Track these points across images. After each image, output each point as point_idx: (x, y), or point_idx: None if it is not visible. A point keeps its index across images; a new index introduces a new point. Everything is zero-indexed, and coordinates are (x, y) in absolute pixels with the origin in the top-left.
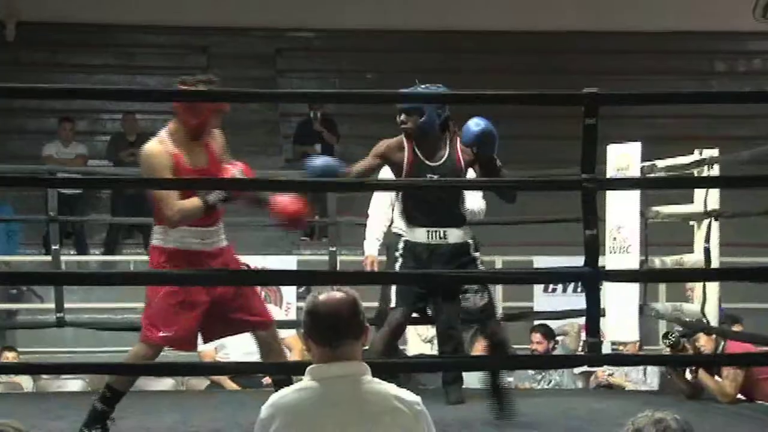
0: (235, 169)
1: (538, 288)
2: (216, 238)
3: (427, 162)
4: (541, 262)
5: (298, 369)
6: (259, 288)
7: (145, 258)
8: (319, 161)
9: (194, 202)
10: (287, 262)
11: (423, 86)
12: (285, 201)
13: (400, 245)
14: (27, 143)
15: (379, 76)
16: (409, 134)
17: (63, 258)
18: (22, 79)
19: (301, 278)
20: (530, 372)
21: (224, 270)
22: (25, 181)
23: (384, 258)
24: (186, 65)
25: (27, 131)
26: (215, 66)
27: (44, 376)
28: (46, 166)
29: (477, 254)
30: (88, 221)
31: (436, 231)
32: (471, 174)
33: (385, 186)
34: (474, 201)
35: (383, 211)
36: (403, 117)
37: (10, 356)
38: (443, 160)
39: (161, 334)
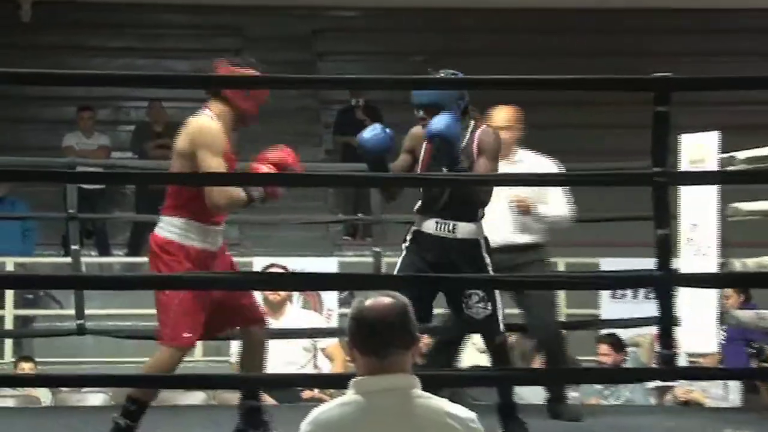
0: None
1: (605, 293)
2: (221, 238)
3: None
4: (608, 264)
5: (340, 381)
6: (297, 293)
7: None
8: (367, 134)
9: (240, 193)
10: (328, 265)
11: (443, 73)
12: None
13: (408, 236)
14: (43, 134)
15: (427, 58)
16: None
17: (83, 259)
18: (39, 63)
19: (343, 282)
20: (597, 387)
21: (266, 274)
22: (42, 176)
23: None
24: (216, 47)
25: (43, 120)
26: (248, 48)
27: (63, 389)
28: (64, 158)
29: (486, 256)
30: (110, 219)
31: (445, 223)
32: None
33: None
34: (557, 206)
35: None
36: (421, 113)
37: (26, 367)
38: (462, 147)
39: (186, 335)
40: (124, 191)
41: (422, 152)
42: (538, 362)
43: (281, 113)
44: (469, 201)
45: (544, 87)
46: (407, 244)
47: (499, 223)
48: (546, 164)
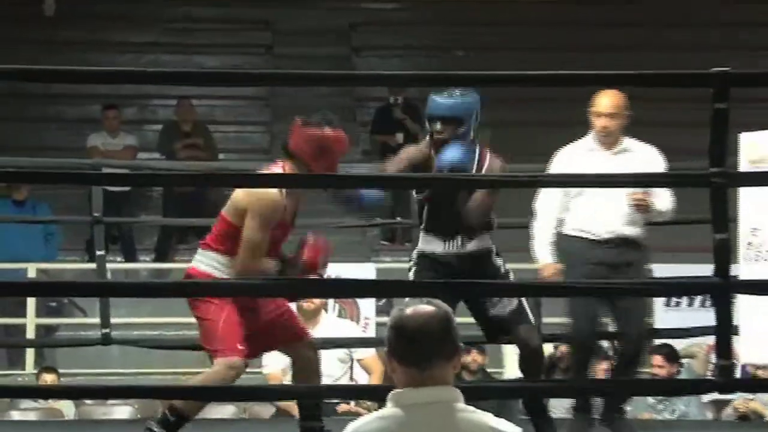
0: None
1: (658, 302)
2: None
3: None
4: (661, 270)
5: (378, 394)
6: (332, 300)
7: None
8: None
9: (270, 267)
10: (364, 271)
11: (458, 92)
12: (313, 252)
13: (414, 255)
14: (67, 133)
15: (470, 53)
16: (440, 144)
17: (109, 266)
18: (62, 59)
19: (381, 289)
20: (650, 400)
21: (299, 280)
22: (66, 177)
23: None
24: (247, 42)
25: (67, 120)
26: (280, 43)
27: (88, 402)
28: (89, 159)
29: (500, 261)
30: (137, 223)
31: (454, 240)
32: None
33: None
34: (666, 200)
35: (551, 214)
36: (439, 126)
37: (49, 378)
38: (472, 171)
39: (240, 346)
40: (150, 194)
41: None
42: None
43: (314, 111)
44: (479, 224)
45: (597, 83)
46: (414, 261)
47: (605, 214)
48: (653, 154)
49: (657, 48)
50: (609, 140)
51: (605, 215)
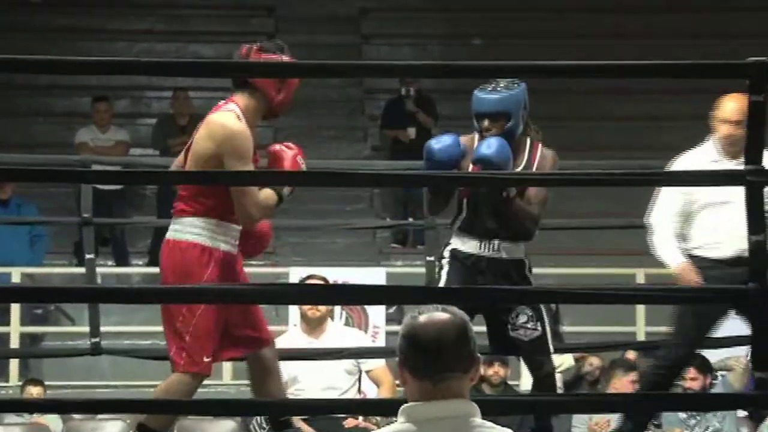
0: (294, 154)
1: None
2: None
3: None
4: None
5: (389, 408)
6: (339, 307)
7: None
8: (436, 144)
9: (272, 196)
10: (374, 275)
11: (503, 84)
12: (289, 158)
13: (446, 253)
14: (55, 128)
15: (488, 41)
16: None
17: (99, 270)
18: (50, 48)
19: (392, 295)
20: (682, 415)
21: (304, 286)
22: (53, 175)
23: None
24: (248, 30)
25: (55, 113)
26: (284, 30)
27: (76, 416)
28: (78, 156)
29: (530, 275)
30: (129, 224)
31: (490, 243)
32: None
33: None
34: None
35: (672, 218)
36: (487, 123)
37: (34, 391)
38: (520, 168)
39: (206, 359)
40: (144, 193)
41: (469, 164)
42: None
43: (321, 105)
44: (519, 230)
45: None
46: (448, 260)
47: (733, 234)
48: None
49: (686, 35)
50: (734, 150)
51: (732, 235)
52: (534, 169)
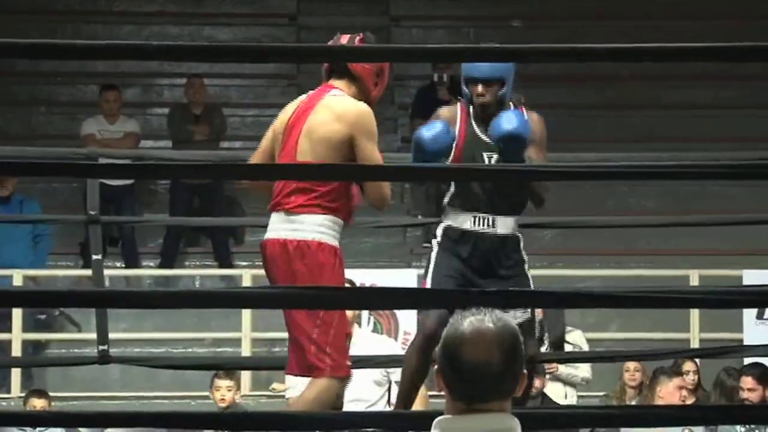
0: None
1: (749, 314)
2: None
3: (484, 138)
4: (753, 277)
5: (421, 422)
6: (367, 312)
7: (215, 272)
8: (427, 132)
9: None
10: (404, 278)
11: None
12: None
13: (439, 232)
14: (58, 118)
15: (528, 23)
16: (483, 107)
17: (107, 272)
18: (54, 32)
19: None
20: (740, 429)
21: (328, 289)
22: (57, 169)
23: None
24: (267, 12)
25: (59, 103)
26: (307, 12)
27: (82, 430)
28: (84, 148)
29: (524, 252)
30: (139, 223)
31: (484, 218)
32: None
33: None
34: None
35: None
36: (480, 88)
37: (38, 404)
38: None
39: (349, 363)
40: (155, 189)
41: (456, 139)
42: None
43: None
44: (521, 198)
45: (693, 56)
46: (438, 240)
47: None
48: None
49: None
50: None
51: None
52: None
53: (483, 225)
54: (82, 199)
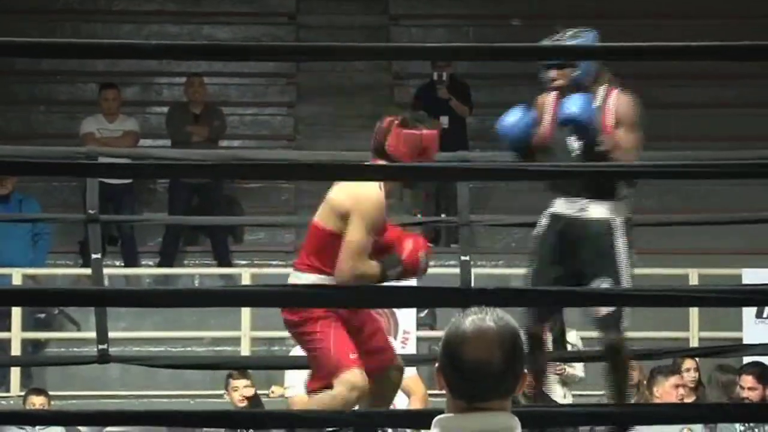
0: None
1: (748, 312)
2: None
3: None
4: (753, 276)
5: (421, 420)
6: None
7: (214, 271)
8: (569, 108)
9: (375, 270)
10: None
11: (570, 33)
12: (410, 248)
13: (544, 220)
14: (58, 117)
15: (528, 22)
16: (559, 90)
17: (106, 271)
18: (52, 31)
19: (423, 298)
20: (739, 427)
21: (325, 287)
22: (56, 168)
23: None
24: (267, 11)
25: (58, 101)
26: (306, 11)
27: (82, 429)
28: (83, 147)
29: (620, 242)
30: (139, 222)
31: (574, 201)
32: None
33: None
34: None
35: None
36: (553, 73)
37: (37, 402)
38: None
39: (352, 355)
40: (154, 187)
41: (548, 122)
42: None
43: (347, 91)
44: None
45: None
46: (543, 227)
47: None
48: None
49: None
50: None
51: None
52: (608, 116)
53: (573, 209)
54: (82, 198)
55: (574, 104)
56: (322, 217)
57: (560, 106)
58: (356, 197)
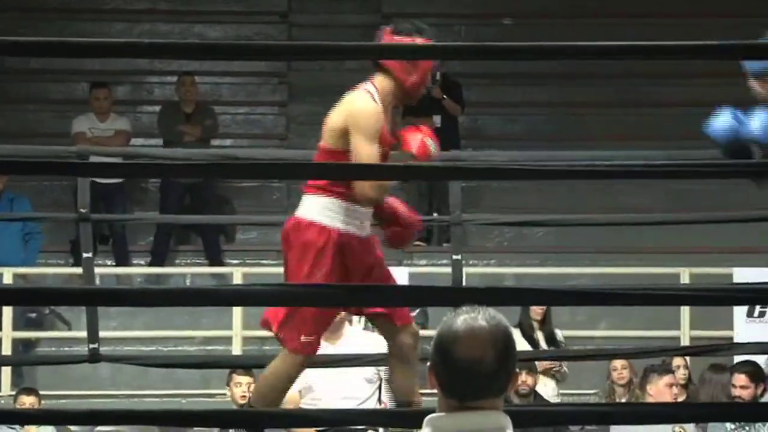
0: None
1: (739, 311)
2: (369, 223)
3: None
4: (743, 275)
5: (412, 419)
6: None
7: (205, 270)
8: (718, 123)
9: (389, 184)
10: (397, 275)
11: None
12: (417, 141)
13: None
14: (49, 116)
15: (520, 21)
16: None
17: (97, 270)
18: (44, 29)
19: (415, 297)
20: (729, 426)
21: (316, 286)
22: (47, 167)
23: None
24: (259, 10)
25: (49, 100)
26: (298, 10)
27: (73, 428)
28: (74, 146)
29: None
30: (130, 221)
31: None
32: None
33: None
34: None
35: None
36: (756, 83)
37: (28, 402)
38: None
39: (303, 339)
40: (146, 186)
41: None
42: None
43: (339, 89)
44: None
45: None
46: None
47: None
48: None
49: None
50: None
51: None
52: None
53: None
54: (73, 197)
55: (761, 124)
56: (325, 139)
57: (744, 122)
58: (350, 113)
